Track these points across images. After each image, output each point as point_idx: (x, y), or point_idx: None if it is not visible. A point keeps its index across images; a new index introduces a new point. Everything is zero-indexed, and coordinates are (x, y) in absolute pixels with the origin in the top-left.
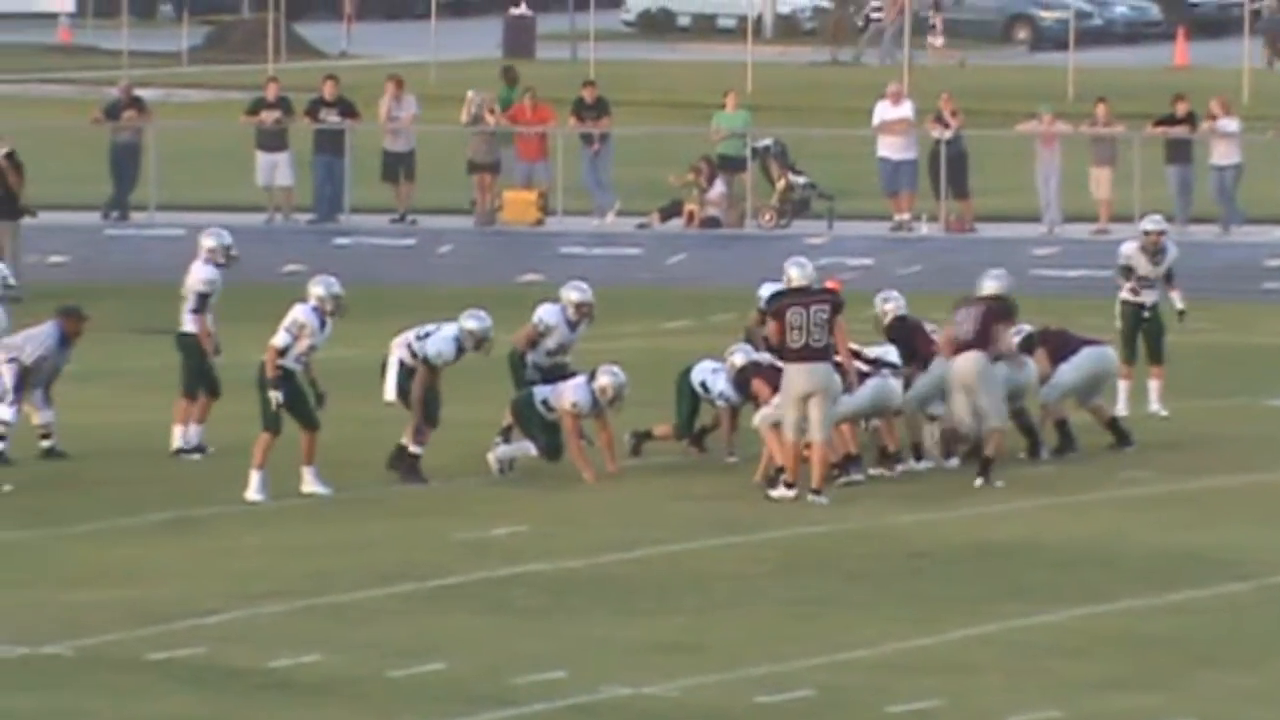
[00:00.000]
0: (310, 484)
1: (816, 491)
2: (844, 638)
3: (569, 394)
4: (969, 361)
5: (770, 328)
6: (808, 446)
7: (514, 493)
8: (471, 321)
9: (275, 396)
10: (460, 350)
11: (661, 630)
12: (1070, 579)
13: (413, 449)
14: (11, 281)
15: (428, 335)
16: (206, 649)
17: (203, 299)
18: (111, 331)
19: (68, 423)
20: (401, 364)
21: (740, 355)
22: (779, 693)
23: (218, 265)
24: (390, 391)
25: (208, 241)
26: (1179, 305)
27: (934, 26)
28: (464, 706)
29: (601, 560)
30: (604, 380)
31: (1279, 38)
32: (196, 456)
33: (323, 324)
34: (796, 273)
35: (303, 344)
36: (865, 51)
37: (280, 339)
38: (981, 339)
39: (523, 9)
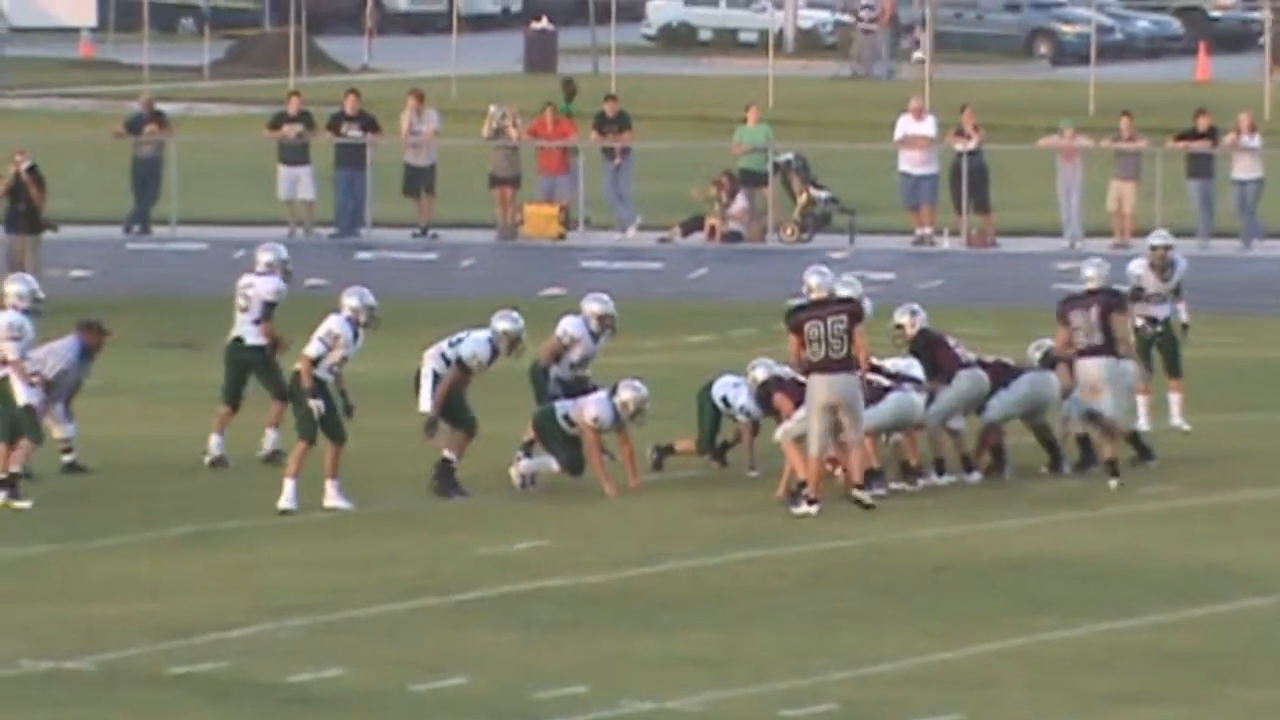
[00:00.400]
0: (332, 498)
1: (860, 487)
2: (867, 652)
3: (591, 408)
4: (1098, 366)
5: (790, 342)
6: (831, 462)
7: (536, 507)
8: (504, 322)
9: (317, 405)
10: (494, 352)
11: (684, 644)
12: (1092, 593)
13: (447, 454)
14: (41, 295)
15: (460, 341)
16: (229, 663)
17: (270, 308)
18: (133, 345)
19: (89, 436)
20: (436, 375)
21: (762, 370)
22: (802, 706)
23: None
24: (426, 402)
25: (266, 256)
26: (1183, 318)
27: (918, 41)
28: None
29: (624, 575)
30: (626, 395)
31: None
32: (211, 466)
33: (356, 335)
34: (816, 280)
35: (336, 354)
36: (869, 65)
37: (314, 349)
38: (1110, 342)
39: (544, 23)
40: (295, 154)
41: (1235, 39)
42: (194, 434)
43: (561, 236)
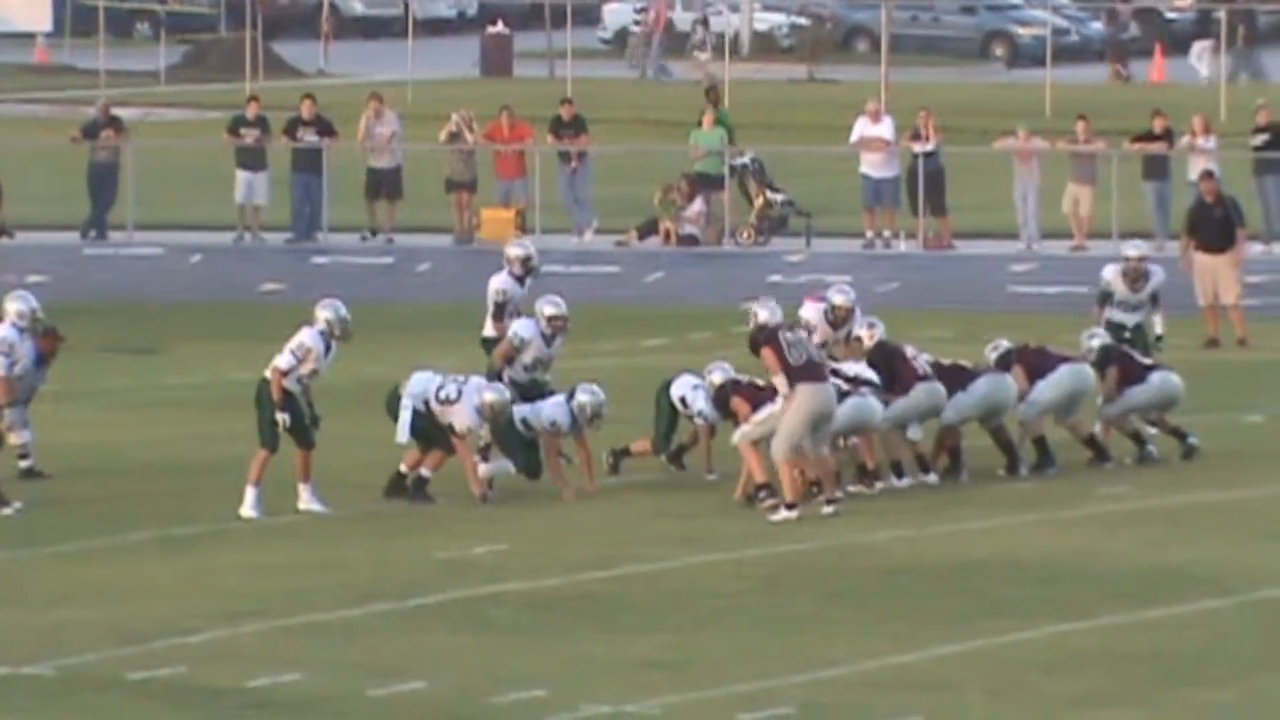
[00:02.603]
0: (307, 501)
1: (830, 502)
2: (825, 654)
3: (548, 412)
4: None
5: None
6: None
7: (494, 511)
8: (491, 394)
9: (283, 418)
10: (481, 419)
11: (642, 648)
12: (1049, 595)
13: (424, 472)
14: (41, 315)
15: (449, 400)
16: (187, 668)
17: (495, 307)
18: (89, 350)
19: (46, 442)
20: (415, 411)
21: (719, 373)
22: (760, 710)
23: (514, 276)
24: (404, 435)
25: (513, 251)
26: (1158, 330)
27: (702, 41)
28: None
29: (582, 578)
30: (583, 399)
31: (1121, 57)
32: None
33: (328, 348)
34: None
35: (306, 367)
36: (638, 64)
37: (285, 361)
38: None
39: (500, 27)
40: (253, 158)
41: (1191, 40)
42: (151, 439)
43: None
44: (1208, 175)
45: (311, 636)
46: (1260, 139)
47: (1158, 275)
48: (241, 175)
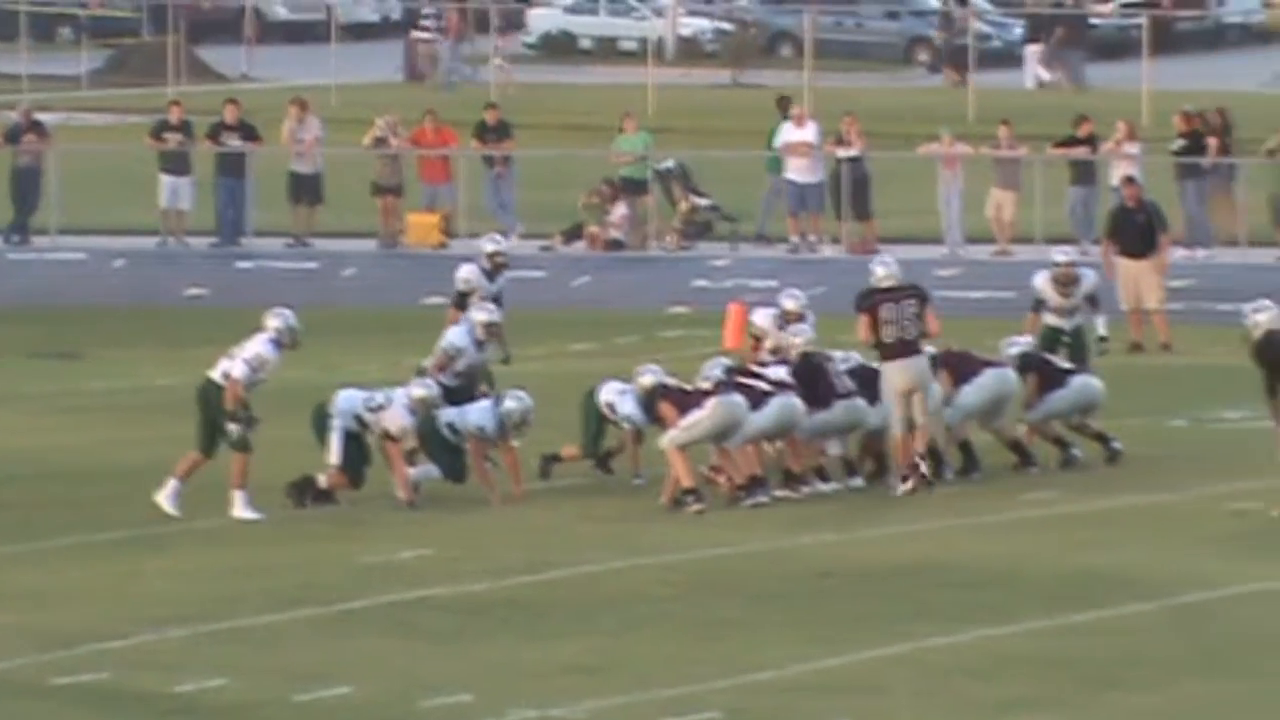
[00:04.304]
0: (241, 509)
1: (931, 470)
2: (751, 659)
3: (474, 418)
4: None
5: (860, 323)
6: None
7: (419, 516)
8: (419, 390)
9: (234, 429)
10: (413, 415)
11: (568, 652)
12: (975, 599)
13: (321, 481)
14: None
15: (379, 407)
16: (111, 674)
17: (459, 296)
18: (12, 355)
19: None
20: (347, 432)
21: (648, 376)
22: (686, 714)
23: (484, 269)
24: (336, 457)
25: (486, 245)
26: (1100, 331)
27: (496, 47)
28: None
29: (508, 583)
30: (510, 405)
31: (954, 63)
32: None
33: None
34: (882, 270)
35: (261, 376)
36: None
37: (241, 372)
38: None
39: (424, 32)
40: (177, 163)
41: (1113, 46)
42: (75, 444)
43: (443, 245)
44: (1129, 180)
45: (237, 642)
46: (1180, 144)
47: (1089, 278)
48: (165, 180)
